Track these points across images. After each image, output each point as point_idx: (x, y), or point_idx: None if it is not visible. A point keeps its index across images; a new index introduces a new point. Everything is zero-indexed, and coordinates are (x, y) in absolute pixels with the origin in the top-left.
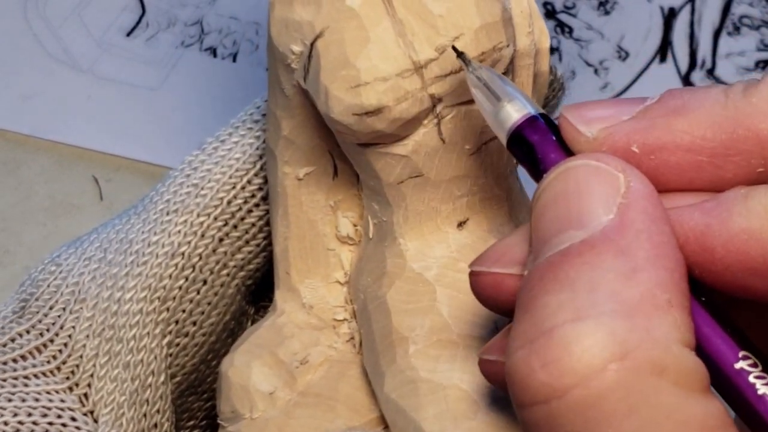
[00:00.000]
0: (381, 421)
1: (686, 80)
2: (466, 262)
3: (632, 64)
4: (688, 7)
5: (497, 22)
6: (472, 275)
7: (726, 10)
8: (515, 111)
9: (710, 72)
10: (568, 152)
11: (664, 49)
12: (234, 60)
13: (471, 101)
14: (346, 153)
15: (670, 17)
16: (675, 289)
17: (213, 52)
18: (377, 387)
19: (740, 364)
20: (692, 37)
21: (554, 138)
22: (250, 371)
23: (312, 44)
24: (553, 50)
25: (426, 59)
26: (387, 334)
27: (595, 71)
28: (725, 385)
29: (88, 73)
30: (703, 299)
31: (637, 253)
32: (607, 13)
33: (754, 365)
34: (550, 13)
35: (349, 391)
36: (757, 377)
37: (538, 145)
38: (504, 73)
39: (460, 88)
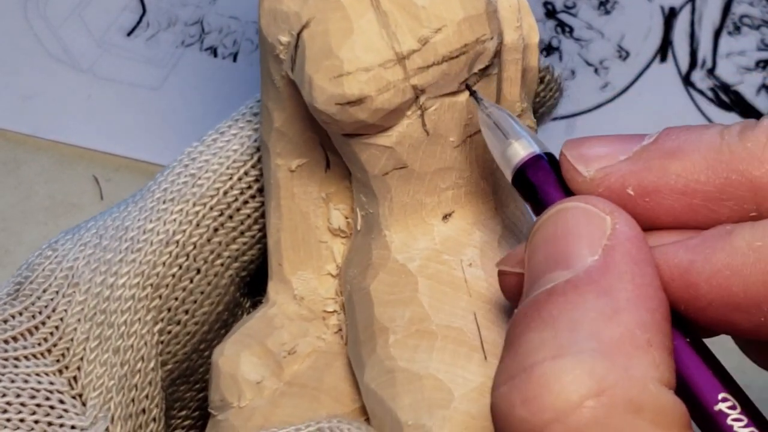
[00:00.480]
0: (363, 412)
1: (687, 80)
2: (449, 254)
3: (632, 63)
4: (688, 7)
5: (481, 14)
6: (499, 274)
7: (726, 10)
8: (522, 149)
9: (710, 71)
10: (568, 192)
11: (664, 49)
12: (234, 60)
13: (454, 93)
14: (335, 144)
15: (670, 17)
16: (655, 329)
17: (213, 51)
18: (359, 377)
19: (719, 406)
20: (693, 36)
21: (555, 178)
22: (239, 360)
23: (298, 34)
24: (553, 50)
25: (408, 50)
26: (369, 324)
27: (596, 71)
28: (708, 424)
29: (89, 72)
30: (688, 339)
31: (619, 294)
32: (607, 12)
33: (733, 407)
34: (550, 13)
35: (334, 382)
36: (734, 419)
37: (540, 183)
38: (489, 66)
39: (442, 79)
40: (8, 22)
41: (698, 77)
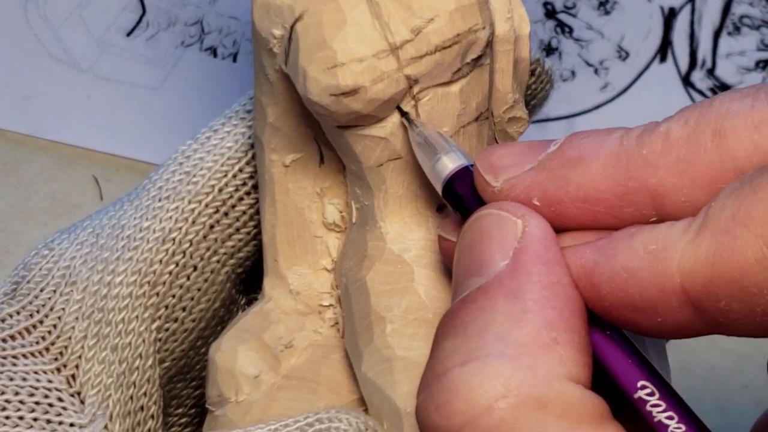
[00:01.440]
0: (361, 403)
1: (686, 80)
2: None
3: (632, 64)
4: (688, 7)
5: (472, 4)
6: (439, 239)
7: (726, 10)
8: (450, 162)
9: (710, 72)
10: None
11: (664, 49)
12: (234, 60)
13: (447, 83)
14: (329, 138)
15: (670, 17)
16: (563, 327)
17: (213, 51)
18: (356, 367)
19: (639, 394)
20: (692, 36)
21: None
22: (236, 355)
23: (292, 27)
24: (553, 50)
25: (401, 40)
26: (365, 314)
27: (595, 71)
28: (632, 413)
29: (89, 72)
30: (609, 332)
31: (526, 295)
32: (607, 13)
33: (651, 394)
34: (550, 13)
35: (331, 374)
36: (653, 405)
37: (466, 194)
38: (481, 56)
39: (435, 69)
40: (8, 22)
41: (698, 77)
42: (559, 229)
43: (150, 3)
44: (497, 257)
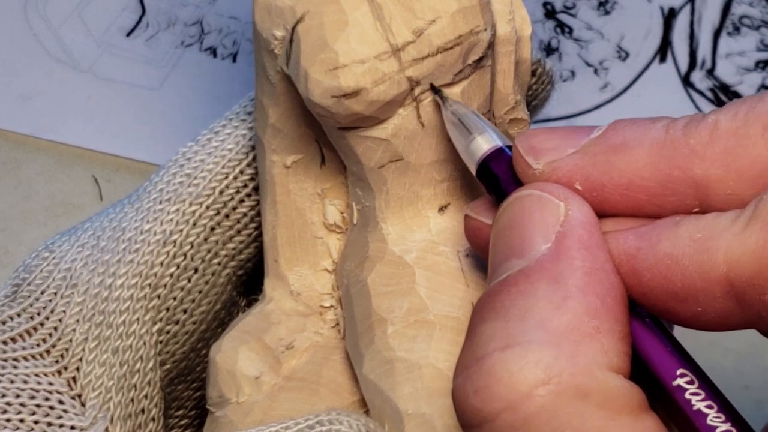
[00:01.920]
0: (362, 404)
1: (686, 80)
2: (445, 245)
3: (632, 64)
4: (688, 7)
5: (474, 5)
6: (465, 219)
7: (726, 10)
8: (485, 143)
9: (710, 72)
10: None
11: (664, 49)
12: (234, 60)
13: (449, 84)
14: (330, 139)
15: (670, 17)
16: (605, 315)
17: (213, 52)
18: (357, 369)
19: (677, 382)
20: (692, 37)
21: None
22: (236, 356)
23: (293, 29)
24: (553, 50)
25: (403, 42)
26: (367, 316)
27: (595, 71)
28: (669, 402)
29: (88, 73)
30: (647, 320)
31: (569, 280)
32: (607, 13)
33: (691, 382)
34: (550, 13)
35: (332, 376)
36: (692, 394)
37: (502, 175)
38: (483, 57)
39: (437, 71)
40: (8, 22)
41: (698, 78)
42: (600, 216)
43: (150, 3)
44: (539, 240)
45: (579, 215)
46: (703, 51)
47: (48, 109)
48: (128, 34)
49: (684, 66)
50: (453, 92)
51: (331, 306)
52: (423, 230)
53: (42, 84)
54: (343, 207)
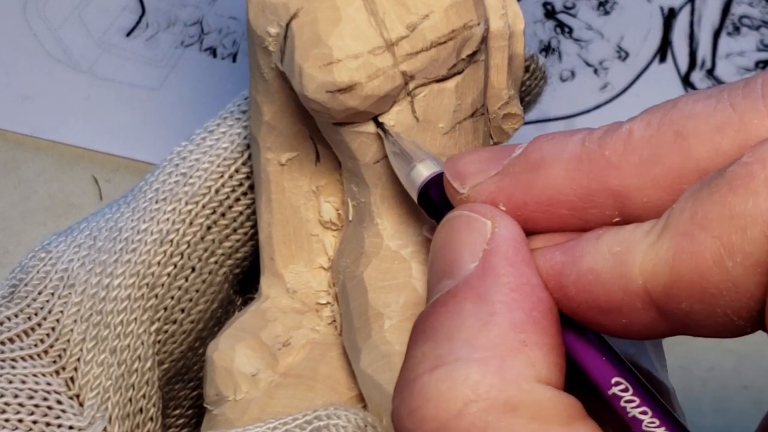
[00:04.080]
0: (360, 399)
1: (686, 80)
2: None
3: (632, 64)
4: (687, 7)
5: (467, 0)
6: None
7: (726, 11)
8: (425, 170)
9: (710, 72)
10: None
11: (663, 49)
12: (234, 60)
13: (443, 79)
14: (325, 135)
15: (669, 17)
16: (531, 328)
17: (213, 52)
18: (354, 363)
19: (613, 390)
20: (692, 37)
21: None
22: (233, 354)
23: (287, 25)
24: (553, 50)
25: (397, 37)
26: (363, 311)
27: (595, 71)
28: (609, 409)
29: (88, 73)
30: (587, 332)
31: (494, 297)
32: (606, 13)
33: (625, 390)
34: (549, 13)
35: (329, 372)
36: (627, 401)
37: (439, 200)
38: (476, 52)
39: (431, 65)
40: (7, 22)
41: (698, 78)
42: (529, 234)
43: (149, 3)
44: (466, 259)
45: (505, 232)
46: (703, 51)
47: (48, 109)
48: (128, 34)
49: (684, 66)
50: (447, 86)
51: (328, 303)
52: (419, 225)
53: (42, 84)
54: (339, 204)
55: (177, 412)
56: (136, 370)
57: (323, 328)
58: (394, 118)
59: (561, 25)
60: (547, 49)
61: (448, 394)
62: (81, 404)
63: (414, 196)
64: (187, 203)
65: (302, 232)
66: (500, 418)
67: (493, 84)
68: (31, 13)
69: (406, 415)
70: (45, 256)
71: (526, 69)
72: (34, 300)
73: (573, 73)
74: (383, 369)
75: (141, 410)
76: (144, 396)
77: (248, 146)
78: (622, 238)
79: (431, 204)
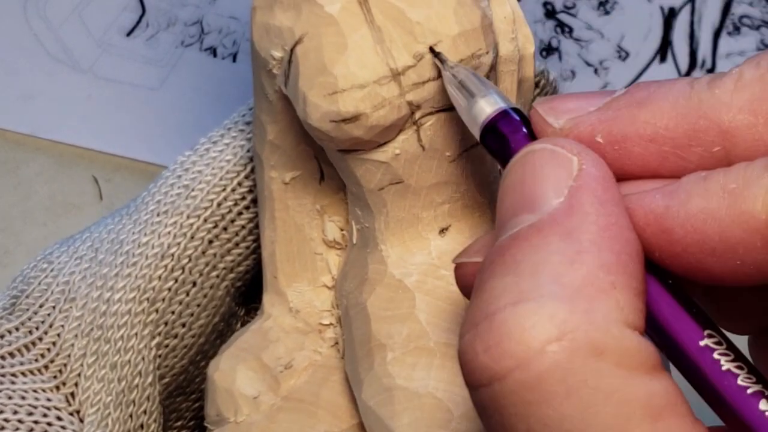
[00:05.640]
0: (361, 428)
1: None
2: (446, 269)
3: (632, 64)
4: (688, 7)
5: (476, 29)
6: (456, 268)
7: (726, 10)
8: (488, 106)
9: (710, 72)
10: None
11: (664, 49)
12: (234, 60)
13: (451, 108)
14: (330, 159)
15: (670, 17)
16: (620, 270)
17: (213, 51)
18: (357, 393)
19: (705, 342)
20: (692, 37)
21: (525, 130)
22: (234, 375)
23: (292, 50)
24: (553, 50)
25: (403, 66)
26: (366, 340)
27: (595, 71)
28: (688, 364)
29: (88, 72)
30: (670, 282)
31: (583, 235)
32: (607, 13)
33: (719, 343)
34: (550, 13)
35: (331, 397)
36: (721, 354)
37: (510, 137)
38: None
39: (438, 95)
40: (8, 22)
41: None
42: (621, 170)
43: (150, 3)
44: (551, 194)
45: (593, 170)
46: (704, 51)
47: (48, 108)
48: (128, 34)
49: (684, 66)
50: (454, 115)
51: (331, 324)
52: (423, 253)
53: (42, 84)
54: (343, 223)
55: (179, 424)
56: (137, 385)
57: (326, 350)
58: (400, 146)
59: (561, 25)
60: (547, 49)
61: (532, 330)
62: (81, 420)
63: (476, 132)
64: (189, 216)
65: (306, 250)
66: (585, 362)
67: None
68: (32, 13)
69: (483, 351)
70: (46, 267)
71: (536, 84)
72: (35, 313)
73: (573, 73)
74: (385, 402)
75: (142, 426)
76: (145, 412)
77: (251, 159)
78: (736, 175)
79: (497, 142)
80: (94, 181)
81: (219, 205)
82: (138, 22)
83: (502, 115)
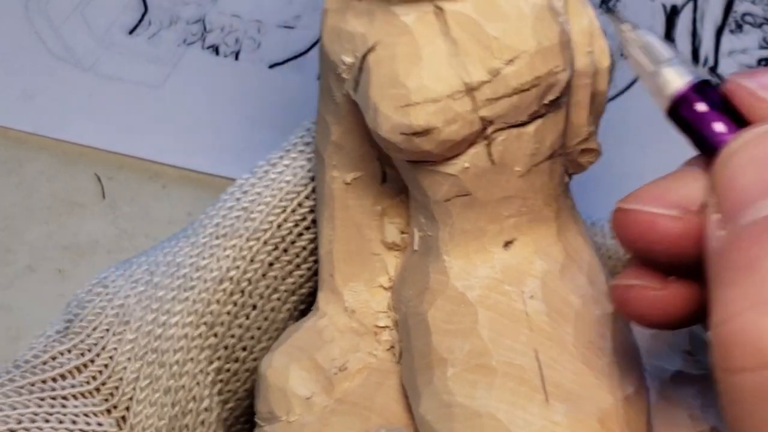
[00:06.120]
0: None
1: None
2: (510, 284)
3: None
4: (690, 5)
5: (554, 45)
6: (620, 212)
7: (728, 8)
8: (677, 77)
9: (712, 70)
10: (739, 120)
11: None
12: (236, 58)
13: (523, 124)
14: (396, 165)
15: (672, 15)
16: None
17: (215, 50)
18: (414, 405)
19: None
20: (694, 34)
21: (722, 106)
22: (288, 374)
23: (363, 57)
24: None
25: (478, 81)
26: (426, 353)
27: None
28: None
29: (91, 71)
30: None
31: None
32: (608, 11)
33: None
34: None
35: (386, 402)
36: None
37: (707, 113)
38: (560, 96)
39: (512, 111)
40: (10, 20)
41: None
42: None
43: (152, 1)
44: None
45: None
46: (706, 49)
47: (50, 107)
48: (130, 32)
49: None
50: (527, 131)
51: (387, 326)
52: (486, 266)
53: (44, 82)
54: (403, 226)
55: None
56: (191, 410)
57: (381, 353)
58: (469, 160)
59: None
60: None
61: None
62: None
63: (663, 105)
64: (248, 239)
65: (364, 250)
66: None
67: (573, 121)
68: (34, 12)
69: (765, 331)
70: (102, 290)
71: None
72: (88, 336)
73: None
74: (444, 419)
75: None
76: None
77: (312, 179)
78: None
79: (691, 118)
80: (97, 179)
81: (279, 226)
82: (140, 21)
83: (695, 89)
